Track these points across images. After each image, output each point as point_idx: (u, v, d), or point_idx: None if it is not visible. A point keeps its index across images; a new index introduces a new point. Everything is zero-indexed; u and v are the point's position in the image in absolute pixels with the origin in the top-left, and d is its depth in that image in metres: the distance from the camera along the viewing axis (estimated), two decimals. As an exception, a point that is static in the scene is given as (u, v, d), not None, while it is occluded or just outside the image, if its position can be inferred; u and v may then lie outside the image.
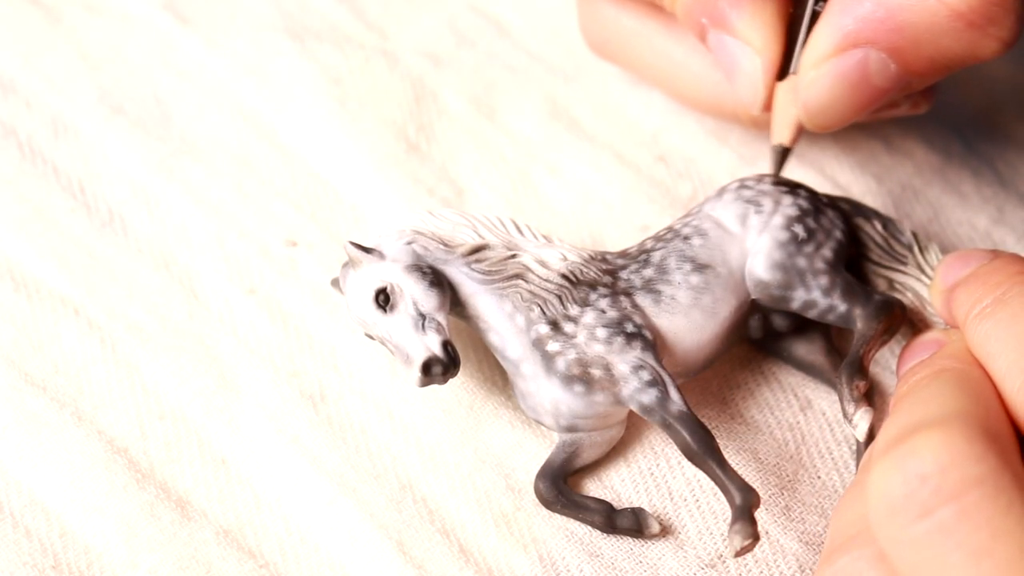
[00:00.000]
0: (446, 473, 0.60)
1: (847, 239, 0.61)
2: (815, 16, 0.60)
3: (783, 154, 0.62)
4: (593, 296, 0.58)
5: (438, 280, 0.58)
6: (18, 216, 0.65)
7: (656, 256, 0.60)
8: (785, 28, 0.61)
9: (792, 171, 0.66)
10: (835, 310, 0.60)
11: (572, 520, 0.58)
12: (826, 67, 0.59)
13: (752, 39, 0.60)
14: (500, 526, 0.58)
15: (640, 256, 0.60)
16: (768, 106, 0.61)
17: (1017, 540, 0.47)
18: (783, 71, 0.61)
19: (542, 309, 0.58)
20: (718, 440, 0.57)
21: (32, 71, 0.69)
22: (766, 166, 0.66)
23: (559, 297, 0.58)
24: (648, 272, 0.59)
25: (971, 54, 0.58)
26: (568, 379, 0.57)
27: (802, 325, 0.61)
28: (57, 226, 0.65)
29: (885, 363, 0.62)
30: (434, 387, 0.59)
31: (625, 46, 0.66)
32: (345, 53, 0.70)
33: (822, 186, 0.65)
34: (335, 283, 0.60)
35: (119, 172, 0.67)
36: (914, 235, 0.62)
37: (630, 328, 0.58)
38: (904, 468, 0.48)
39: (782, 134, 0.62)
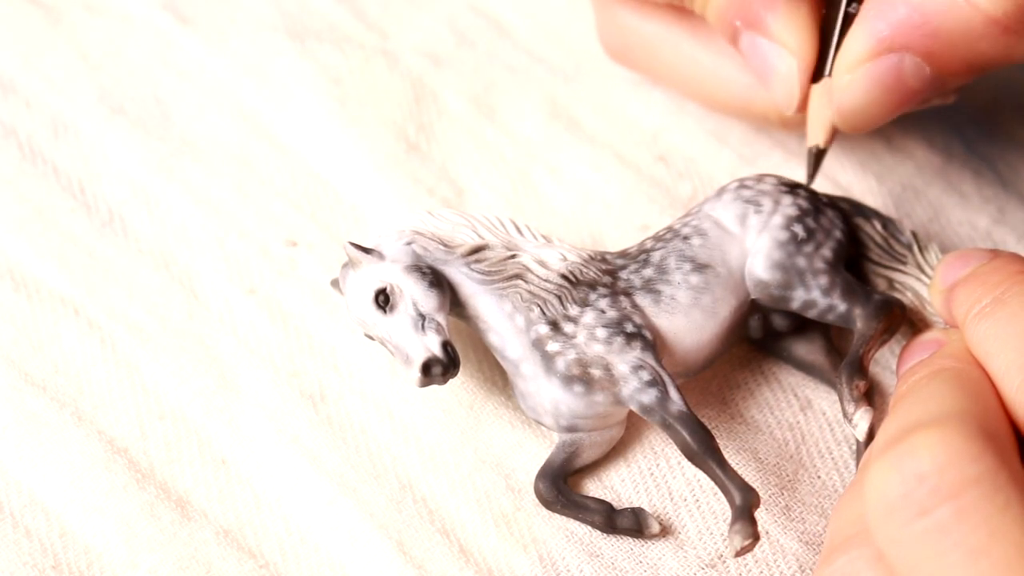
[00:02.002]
0: (446, 473, 0.60)
1: (847, 239, 0.61)
2: (848, 18, 0.60)
3: (819, 156, 0.62)
4: (593, 296, 0.58)
5: (438, 280, 0.58)
6: (18, 216, 0.65)
7: (656, 256, 0.60)
8: (819, 30, 0.61)
9: (792, 171, 0.66)
10: (835, 310, 0.60)
11: (572, 520, 0.58)
12: (861, 71, 0.59)
13: (787, 41, 0.60)
14: (500, 526, 0.58)
15: (640, 256, 0.60)
16: (803, 107, 0.61)
17: (1014, 539, 0.47)
18: (817, 73, 0.61)
19: (542, 309, 0.58)
20: (718, 440, 0.57)
21: (32, 71, 0.69)
22: (767, 165, 0.66)
23: (559, 297, 0.58)
24: (648, 272, 0.59)
25: (1006, 57, 0.58)
26: (568, 379, 0.57)
27: (802, 325, 0.61)
28: (57, 226, 0.65)
29: (885, 363, 0.62)
30: (434, 387, 0.59)
31: (648, 53, 0.66)
32: (345, 53, 0.70)
33: (823, 186, 0.65)
34: (335, 284, 0.60)
35: (119, 172, 0.67)
36: (914, 235, 0.62)
37: (630, 328, 0.58)
38: (902, 468, 0.48)
39: (817, 136, 0.62)
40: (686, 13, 0.64)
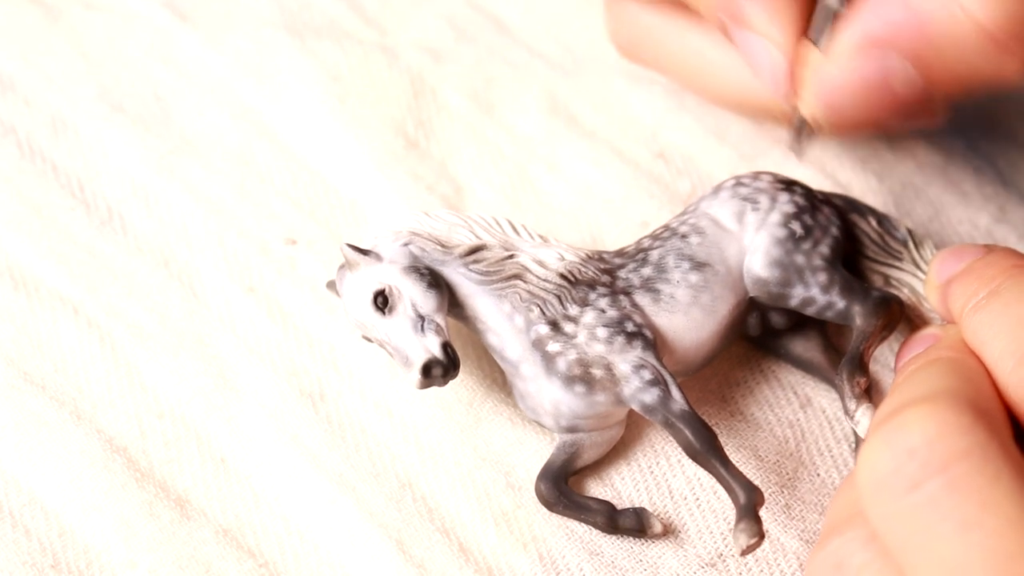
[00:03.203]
0: (446, 471, 0.60)
1: (843, 235, 0.61)
2: (836, 12, 0.60)
3: (803, 127, 0.61)
4: (592, 296, 0.58)
5: (436, 281, 0.58)
6: (17, 215, 0.65)
7: (654, 255, 0.60)
8: (805, 18, 0.60)
9: (793, 169, 0.66)
10: (833, 307, 0.59)
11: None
12: (847, 65, 0.58)
13: (770, 33, 0.60)
14: (500, 524, 0.58)
15: (638, 255, 0.60)
16: (791, 98, 0.61)
17: (1005, 511, 0.47)
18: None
19: (541, 309, 0.58)
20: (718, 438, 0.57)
21: (31, 69, 0.69)
22: (766, 163, 0.66)
23: (558, 297, 0.58)
24: (646, 271, 0.59)
25: (996, 73, 0.57)
26: (569, 379, 0.57)
27: (799, 322, 0.61)
28: (56, 224, 0.65)
29: (884, 360, 0.62)
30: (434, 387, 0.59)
31: (657, 47, 0.65)
32: (344, 49, 0.70)
33: (823, 184, 0.65)
34: (331, 286, 0.60)
35: (118, 170, 0.67)
36: (909, 231, 0.62)
37: (630, 327, 0.58)
38: (892, 443, 0.48)
39: (809, 106, 0.61)
40: (689, 7, 0.64)
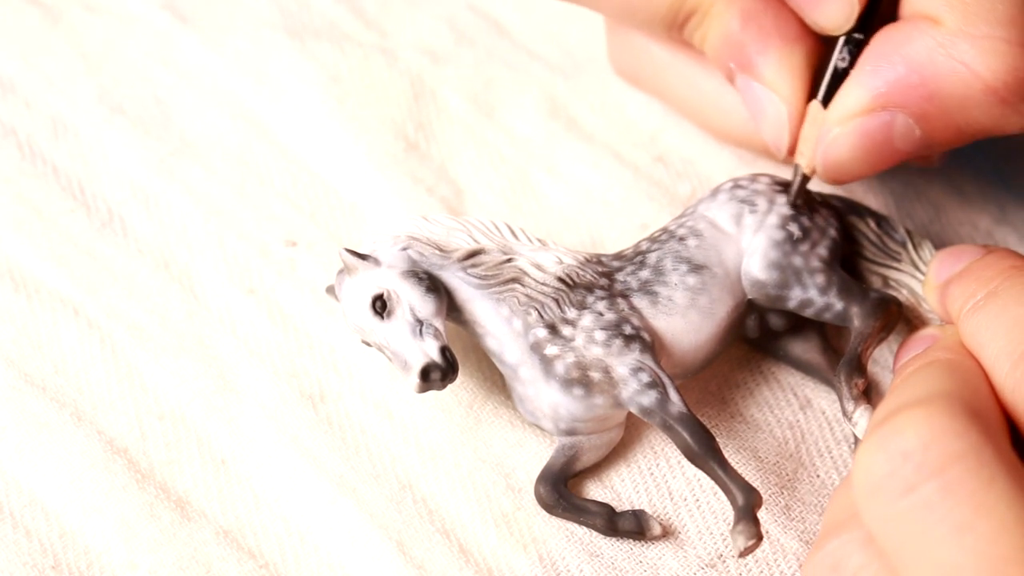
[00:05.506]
0: (446, 473, 0.60)
1: (841, 237, 0.61)
2: (838, 71, 0.60)
3: (804, 180, 0.61)
4: (590, 299, 0.58)
5: (434, 285, 0.58)
6: (18, 216, 0.65)
7: (652, 257, 0.60)
8: (812, 74, 0.60)
9: (789, 172, 0.65)
10: (832, 308, 0.60)
11: (572, 521, 0.59)
12: (852, 125, 0.58)
13: (778, 87, 0.60)
14: (500, 526, 0.58)
15: (636, 258, 0.60)
16: (792, 152, 0.61)
17: (999, 514, 0.47)
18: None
19: (539, 313, 0.58)
20: (718, 439, 0.57)
21: (31, 71, 0.69)
22: (765, 167, 0.66)
23: (556, 300, 0.58)
24: (644, 274, 0.59)
25: (998, 127, 0.58)
26: (567, 382, 0.57)
27: (798, 324, 0.61)
28: (57, 226, 0.65)
29: (884, 362, 0.62)
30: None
31: (656, 76, 0.66)
32: (344, 51, 0.70)
33: (823, 186, 0.65)
34: (330, 291, 0.60)
35: (119, 172, 0.67)
36: (907, 232, 0.62)
37: (628, 330, 0.58)
38: (887, 446, 0.48)
39: (806, 158, 0.61)
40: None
